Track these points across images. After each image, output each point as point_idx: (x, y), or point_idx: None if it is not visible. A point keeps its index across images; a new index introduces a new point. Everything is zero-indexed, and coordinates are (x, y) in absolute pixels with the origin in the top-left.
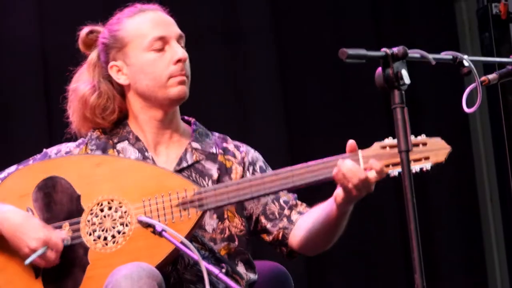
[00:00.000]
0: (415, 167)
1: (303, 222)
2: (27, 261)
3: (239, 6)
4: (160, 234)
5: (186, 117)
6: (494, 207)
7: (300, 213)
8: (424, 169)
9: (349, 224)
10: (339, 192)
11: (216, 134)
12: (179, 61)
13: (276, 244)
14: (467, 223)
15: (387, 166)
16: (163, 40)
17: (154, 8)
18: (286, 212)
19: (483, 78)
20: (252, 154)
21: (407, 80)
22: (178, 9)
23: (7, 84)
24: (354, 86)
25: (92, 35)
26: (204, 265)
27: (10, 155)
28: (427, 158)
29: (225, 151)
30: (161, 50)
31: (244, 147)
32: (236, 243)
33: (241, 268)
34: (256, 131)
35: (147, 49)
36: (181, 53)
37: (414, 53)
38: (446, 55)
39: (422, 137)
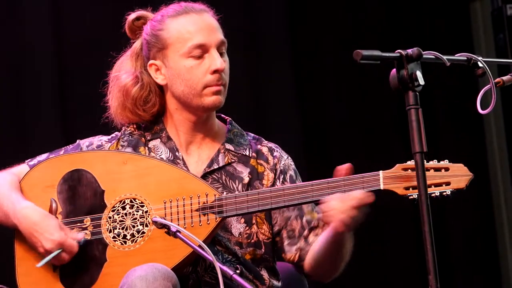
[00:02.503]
0: (436, 192)
1: (314, 247)
2: (39, 264)
3: (256, 10)
4: (174, 235)
5: (222, 116)
6: (509, 208)
7: (317, 236)
8: (445, 194)
9: (364, 230)
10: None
11: (251, 135)
12: (216, 71)
13: (293, 264)
14: (481, 225)
15: (407, 188)
16: (203, 47)
17: (199, 10)
18: (306, 233)
19: (497, 79)
20: (284, 161)
21: (421, 81)
22: None
23: (22, 82)
24: (372, 91)
25: (139, 22)
26: (218, 265)
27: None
28: (448, 184)
29: (258, 154)
30: (200, 57)
31: (277, 152)
32: (263, 250)
33: (264, 274)
34: (272, 137)
35: (186, 55)
36: (219, 63)
37: (429, 55)
38: (461, 56)
39: (445, 162)
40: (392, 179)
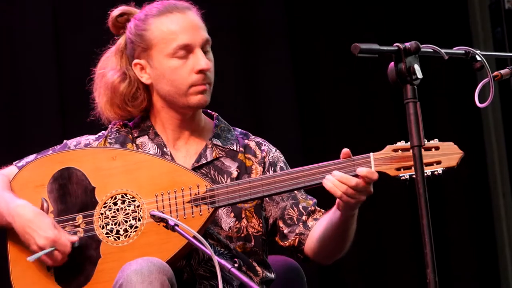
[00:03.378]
0: (427, 171)
1: (315, 230)
2: (30, 258)
3: (254, 3)
4: (172, 228)
5: (209, 111)
6: (506, 202)
7: (316, 220)
8: (436, 173)
9: (361, 222)
10: (338, 200)
11: (238, 130)
12: (201, 71)
13: (292, 250)
14: (479, 218)
15: (399, 169)
16: (188, 48)
17: (183, 8)
18: (304, 218)
19: (495, 73)
20: (273, 154)
21: (419, 74)
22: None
23: (22, 81)
24: (369, 84)
25: (122, 18)
26: (216, 259)
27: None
28: (439, 163)
29: (246, 149)
30: (184, 57)
31: (265, 146)
32: (252, 243)
33: (256, 266)
34: (269, 129)
35: (171, 55)
36: (204, 63)
37: (427, 48)
38: (459, 50)
39: (435, 141)
40: (383, 160)
